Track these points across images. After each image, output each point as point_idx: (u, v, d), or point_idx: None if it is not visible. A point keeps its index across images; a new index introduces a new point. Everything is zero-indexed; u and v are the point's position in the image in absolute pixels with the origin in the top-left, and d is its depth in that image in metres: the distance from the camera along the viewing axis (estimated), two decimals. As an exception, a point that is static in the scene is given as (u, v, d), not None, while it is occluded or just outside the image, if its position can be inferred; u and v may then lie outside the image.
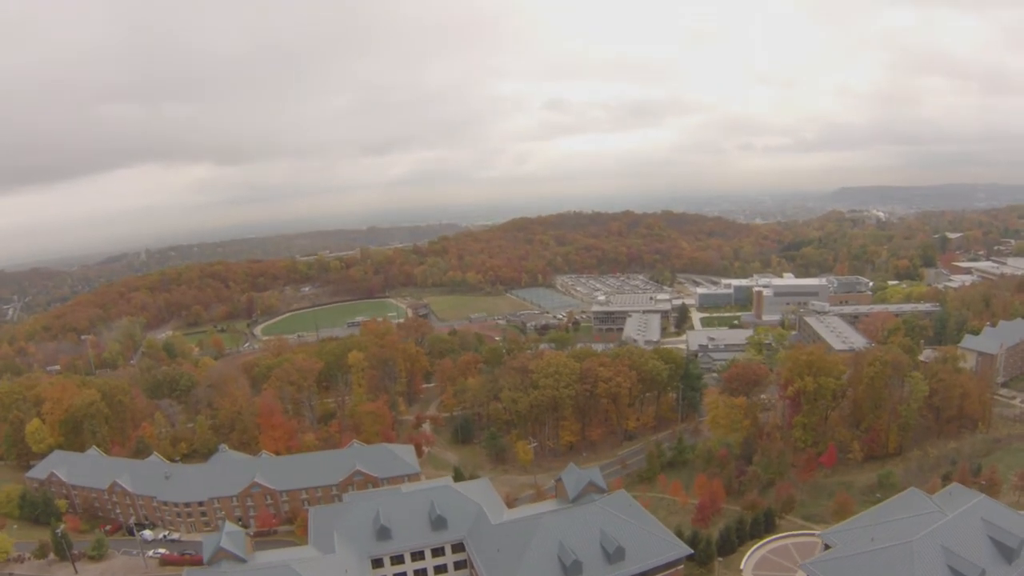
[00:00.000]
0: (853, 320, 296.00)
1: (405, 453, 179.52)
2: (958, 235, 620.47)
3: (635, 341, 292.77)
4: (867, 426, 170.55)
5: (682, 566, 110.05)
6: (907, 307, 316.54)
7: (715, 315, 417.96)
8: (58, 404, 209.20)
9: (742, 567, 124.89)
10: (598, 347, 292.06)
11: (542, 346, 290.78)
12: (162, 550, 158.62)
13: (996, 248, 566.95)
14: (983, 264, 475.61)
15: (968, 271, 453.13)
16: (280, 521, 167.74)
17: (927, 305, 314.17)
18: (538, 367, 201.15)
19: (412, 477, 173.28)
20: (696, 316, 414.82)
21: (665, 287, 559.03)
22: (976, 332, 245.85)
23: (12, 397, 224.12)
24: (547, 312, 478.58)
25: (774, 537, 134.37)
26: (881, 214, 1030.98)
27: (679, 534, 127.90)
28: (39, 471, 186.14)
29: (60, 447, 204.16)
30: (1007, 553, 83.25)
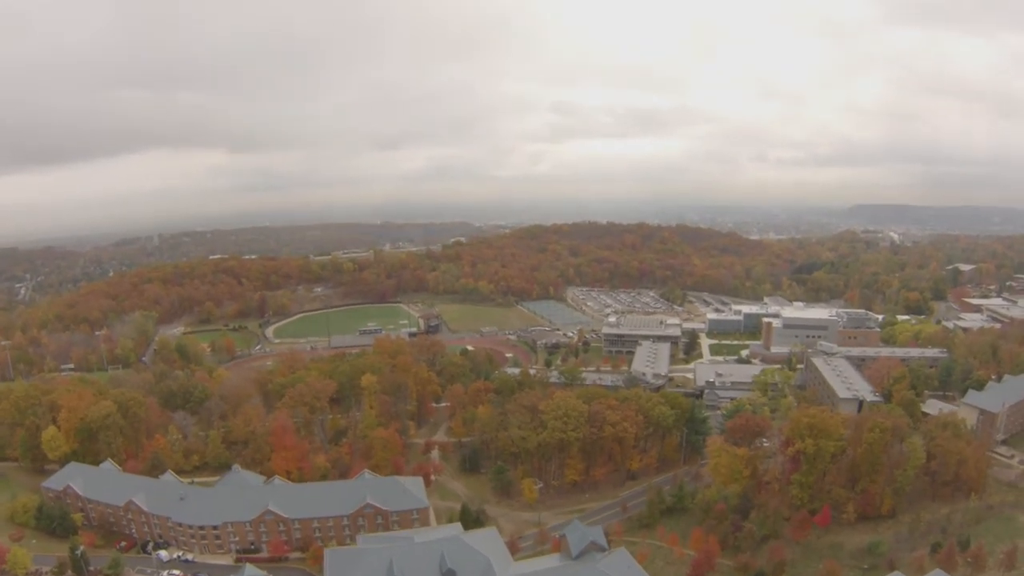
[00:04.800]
0: (860, 363, 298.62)
1: (414, 486, 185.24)
2: (971, 267, 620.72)
3: (643, 375, 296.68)
4: (862, 488, 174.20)
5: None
6: (914, 352, 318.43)
7: (724, 342, 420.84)
8: (74, 412, 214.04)
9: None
10: (606, 378, 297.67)
11: (551, 375, 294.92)
12: (177, 572, 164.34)
13: (1008, 284, 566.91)
14: (994, 302, 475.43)
15: (979, 308, 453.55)
16: (291, 548, 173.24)
17: (934, 351, 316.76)
18: (547, 407, 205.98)
19: (421, 511, 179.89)
20: (705, 343, 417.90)
21: (675, 306, 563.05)
22: (981, 383, 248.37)
23: (28, 401, 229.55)
24: (558, 329, 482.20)
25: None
26: (895, 236, 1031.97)
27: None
28: (55, 482, 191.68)
29: (75, 454, 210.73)
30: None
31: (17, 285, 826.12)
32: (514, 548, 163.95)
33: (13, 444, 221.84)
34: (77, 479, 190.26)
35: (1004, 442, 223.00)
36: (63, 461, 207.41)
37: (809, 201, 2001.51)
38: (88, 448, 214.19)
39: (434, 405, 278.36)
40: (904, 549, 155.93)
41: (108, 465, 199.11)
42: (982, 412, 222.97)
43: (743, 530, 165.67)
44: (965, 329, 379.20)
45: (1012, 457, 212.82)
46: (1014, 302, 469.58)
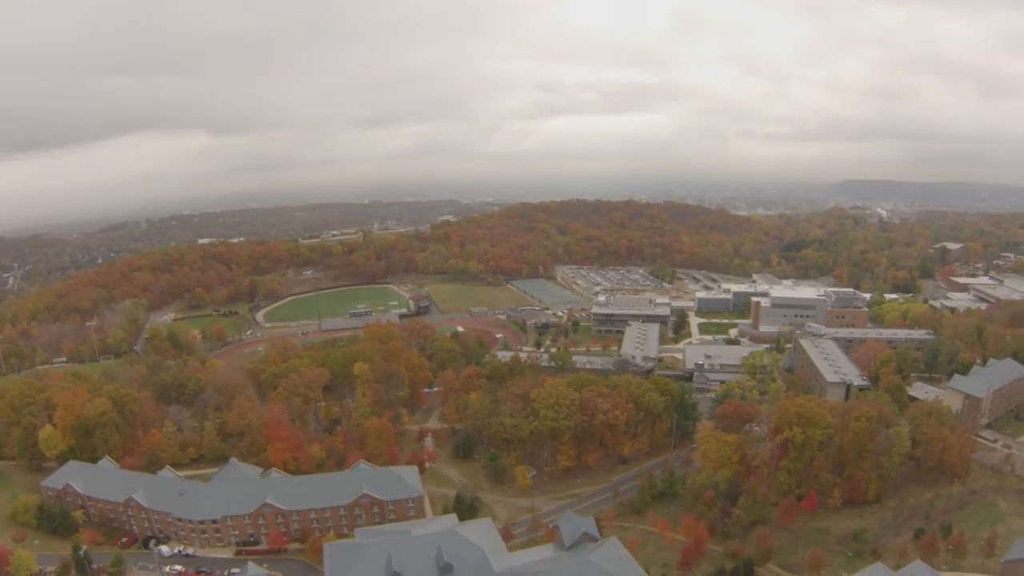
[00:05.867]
0: (847, 345, 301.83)
1: (409, 476, 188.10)
2: (958, 246, 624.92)
3: (633, 358, 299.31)
4: (849, 474, 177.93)
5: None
6: (901, 334, 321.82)
7: (713, 321, 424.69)
8: (69, 411, 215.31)
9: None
10: (596, 362, 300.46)
11: (542, 358, 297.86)
12: (179, 567, 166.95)
13: (995, 262, 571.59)
14: (981, 280, 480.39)
15: (966, 288, 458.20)
16: (290, 540, 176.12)
17: (920, 332, 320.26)
18: (539, 396, 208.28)
19: (416, 500, 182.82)
20: (694, 322, 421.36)
21: (665, 284, 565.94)
22: (967, 367, 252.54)
23: (23, 400, 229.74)
24: (547, 309, 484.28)
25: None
26: (884, 212, 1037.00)
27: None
28: (55, 481, 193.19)
29: (72, 451, 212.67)
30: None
31: (5, 275, 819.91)
32: (508, 535, 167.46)
33: (10, 443, 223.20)
34: (76, 477, 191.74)
35: (988, 426, 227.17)
36: (61, 459, 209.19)
37: (797, 176, 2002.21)
38: (85, 445, 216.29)
39: (426, 391, 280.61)
40: (888, 535, 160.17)
41: (106, 462, 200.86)
42: (967, 397, 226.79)
43: (732, 516, 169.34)
44: (952, 309, 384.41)
45: (996, 441, 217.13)
46: (1000, 281, 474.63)
